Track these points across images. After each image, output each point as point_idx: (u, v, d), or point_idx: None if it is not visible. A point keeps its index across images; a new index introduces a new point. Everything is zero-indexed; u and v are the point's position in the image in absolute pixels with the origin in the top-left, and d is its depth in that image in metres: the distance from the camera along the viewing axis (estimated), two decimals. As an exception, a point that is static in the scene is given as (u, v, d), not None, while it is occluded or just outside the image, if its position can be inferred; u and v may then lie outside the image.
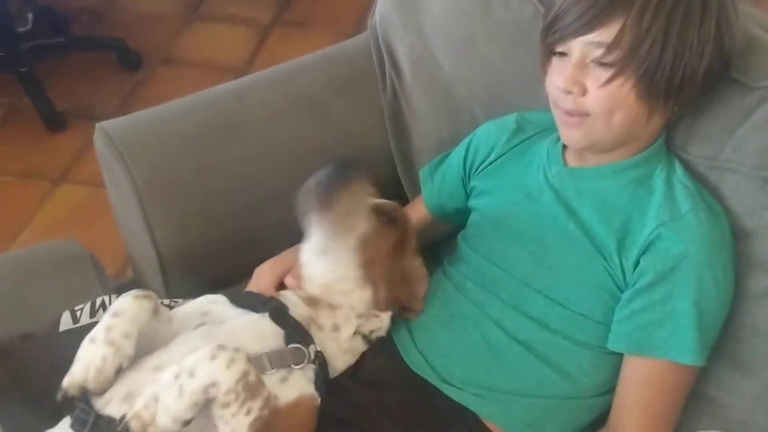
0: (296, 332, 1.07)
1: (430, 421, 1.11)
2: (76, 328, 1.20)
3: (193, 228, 1.40)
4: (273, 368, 1.00)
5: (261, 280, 1.26)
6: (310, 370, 1.05)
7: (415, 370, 1.15)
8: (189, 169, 1.39)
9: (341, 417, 1.07)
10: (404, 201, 1.52)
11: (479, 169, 1.34)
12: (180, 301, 1.25)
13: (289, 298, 1.14)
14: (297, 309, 1.11)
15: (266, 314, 1.08)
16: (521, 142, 1.31)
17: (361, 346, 1.15)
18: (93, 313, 1.22)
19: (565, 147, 1.23)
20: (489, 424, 1.12)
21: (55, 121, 2.66)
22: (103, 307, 1.23)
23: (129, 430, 0.87)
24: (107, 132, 1.38)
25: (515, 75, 1.39)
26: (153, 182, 1.36)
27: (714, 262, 1.08)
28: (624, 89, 1.06)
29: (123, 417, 0.89)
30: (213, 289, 1.41)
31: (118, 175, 1.36)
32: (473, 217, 1.33)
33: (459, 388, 1.12)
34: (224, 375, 0.88)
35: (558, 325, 1.14)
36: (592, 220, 1.15)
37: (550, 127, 1.27)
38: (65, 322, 1.21)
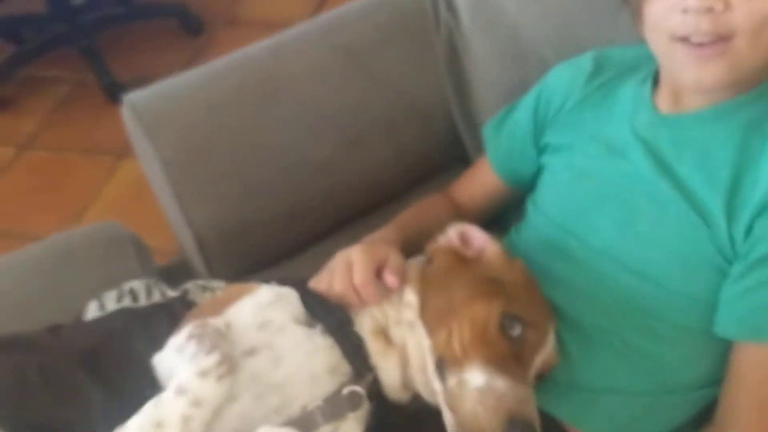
0: (356, 354, 0.90)
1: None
2: (103, 316, 1.09)
3: (229, 203, 1.27)
4: (325, 423, 0.86)
5: (357, 271, 0.94)
6: (363, 410, 0.89)
7: None
8: (224, 144, 1.25)
9: (388, 422, 0.91)
10: (468, 164, 1.33)
11: (553, 122, 1.14)
12: (221, 284, 1.13)
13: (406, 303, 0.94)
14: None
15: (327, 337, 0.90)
16: (601, 85, 1.10)
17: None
18: (120, 299, 1.12)
19: (655, 89, 1.02)
20: (569, 429, 0.94)
21: (117, 94, 2.58)
22: (131, 294, 1.12)
23: None
24: (134, 105, 1.25)
25: (588, 11, 1.20)
26: (181, 157, 1.23)
27: None
28: None
29: None
30: (259, 267, 1.30)
31: (146, 151, 1.24)
32: (544, 177, 1.14)
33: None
34: None
35: (648, 306, 0.95)
36: (692, 177, 0.94)
37: (637, 66, 1.07)
38: (92, 311, 1.11)
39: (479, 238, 0.98)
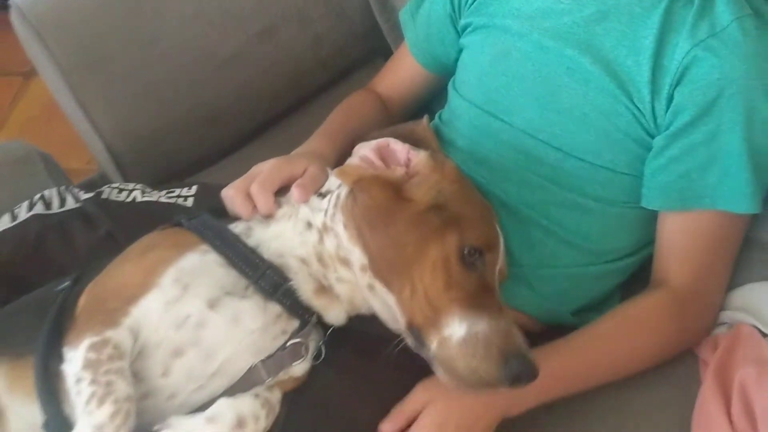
0: (298, 306, 0.86)
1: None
2: (14, 225, 1.04)
3: (135, 106, 1.20)
4: (269, 377, 0.83)
5: (259, 178, 0.92)
6: (308, 357, 0.87)
7: None
8: (120, 44, 1.18)
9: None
10: (388, 53, 1.28)
11: (471, 1, 1.09)
12: (138, 186, 1.09)
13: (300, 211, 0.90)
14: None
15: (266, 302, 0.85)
16: None
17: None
18: (31, 207, 1.06)
19: None
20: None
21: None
22: (42, 200, 1.07)
23: None
24: (20, 9, 1.16)
25: None
26: (80, 63, 1.15)
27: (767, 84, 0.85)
28: None
29: None
30: (177, 176, 1.24)
31: (40, 56, 1.15)
32: (464, 58, 1.10)
33: None
34: None
35: (571, 181, 0.94)
36: (616, 49, 0.91)
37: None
38: (4, 223, 1.06)
39: (401, 150, 0.89)
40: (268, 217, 0.91)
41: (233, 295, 0.84)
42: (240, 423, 0.80)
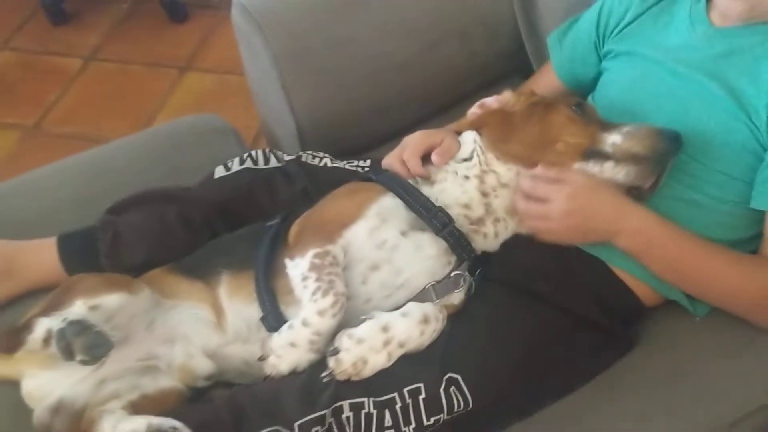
0: (459, 245, 1.13)
1: (563, 272, 1.15)
2: (229, 174, 1.31)
3: (326, 96, 1.47)
4: (437, 298, 1.10)
5: (408, 148, 1.23)
6: (465, 286, 1.14)
7: None
8: (322, 40, 1.45)
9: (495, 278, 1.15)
10: (528, 71, 1.53)
11: (614, 32, 1.33)
12: (327, 156, 1.35)
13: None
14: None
15: (436, 237, 1.12)
16: (659, 2, 1.29)
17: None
18: (242, 162, 1.32)
19: (708, 5, 1.21)
20: (619, 272, 1.16)
21: (177, 12, 2.76)
22: (251, 158, 1.33)
23: (335, 378, 1.04)
24: (245, 6, 1.44)
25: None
26: (289, 53, 1.42)
27: None
28: None
29: (332, 369, 1.04)
30: (347, 155, 1.50)
31: (257, 47, 1.43)
32: (605, 78, 1.33)
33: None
34: (428, 342, 1.06)
35: (693, 181, 1.15)
36: (739, 79, 1.14)
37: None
38: (219, 172, 1.32)
39: (491, 100, 1.25)
40: (424, 178, 1.20)
41: (416, 228, 1.11)
42: (425, 319, 1.05)
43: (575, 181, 1.11)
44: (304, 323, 1.05)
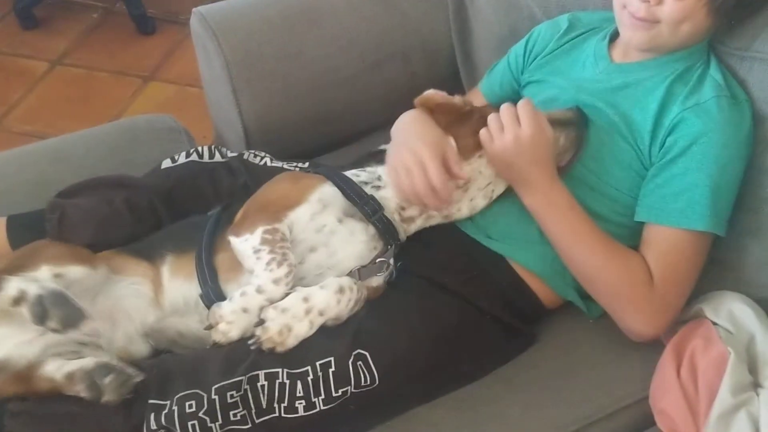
0: (387, 231, 1.24)
1: (471, 268, 1.28)
2: (175, 165, 1.41)
3: (274, 103, 1.58)
4: (360, 280, 1.21)
5: (429, 170, 1.20)
6: (388, 271, 1.25)
7: (462, 229, 1.32)
8: (273, 51, 1.57)
9: (412, 270, 1.27)
10: (462, 92, 1.66)
11: (534, 61, 1.48)
12: (267, 155, 1.45)
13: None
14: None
15: (367, 224, 1.23)
16: (571, 40, 1.46)
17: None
18: (188, 155, 1.42)
19: (611, 45, 1.37)
20: (520, 270, 1.28)
21: (146, 25, 2.87)
22: (197, 152, 1.43)
23: (261, 345, 1.12)
24: (203, 15, 1.56)
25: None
26: (241, 59, 1.54)
27: (730, 141, 1.21)
28: (699, 4, 1.20)
29: (258, 337, 1.12)
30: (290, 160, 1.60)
31: (211, 51, 1.55)
32: (521, 100, 1.48)
33: (498, 241, 1.29)
34: (346, 312, 1.17)
35: (591, 192, 1.29)
36: (632, 108, 1.29)
37: (600, 26, 1.42)
38: (166, 164, 1.42)
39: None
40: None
41: (351, 216, 1.23)
42: (341, 289, 1.16)
43: (540, 125, 1.24)
44: (258, 290, 1.14)
